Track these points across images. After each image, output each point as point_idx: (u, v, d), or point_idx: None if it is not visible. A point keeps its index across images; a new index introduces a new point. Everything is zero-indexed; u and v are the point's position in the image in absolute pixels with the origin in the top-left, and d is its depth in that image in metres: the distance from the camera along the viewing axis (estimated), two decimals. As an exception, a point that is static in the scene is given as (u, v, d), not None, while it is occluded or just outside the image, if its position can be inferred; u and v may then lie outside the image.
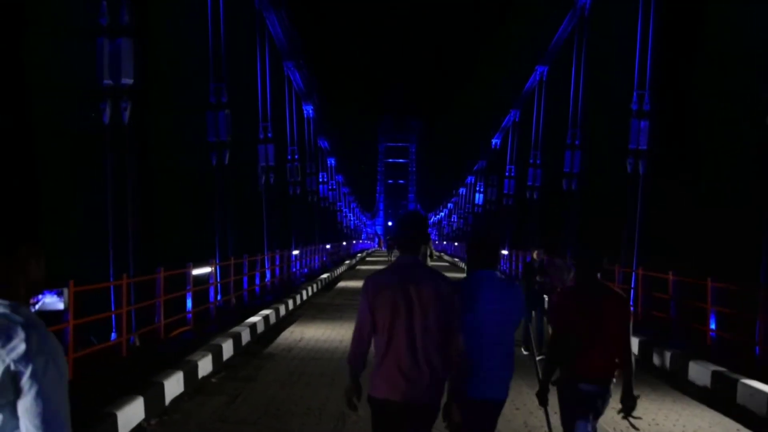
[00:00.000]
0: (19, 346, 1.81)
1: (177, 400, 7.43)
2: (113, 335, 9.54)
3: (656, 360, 10.08)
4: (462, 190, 64.44)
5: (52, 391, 1.83)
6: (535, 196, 26.60)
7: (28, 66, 19.91)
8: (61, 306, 2.50)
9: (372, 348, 3.56)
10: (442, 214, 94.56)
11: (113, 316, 9.60)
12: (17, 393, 1.81)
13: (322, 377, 8.67)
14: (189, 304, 11.72)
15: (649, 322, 12.61)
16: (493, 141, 40.68)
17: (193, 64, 17.92)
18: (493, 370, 3.83)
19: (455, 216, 73.20)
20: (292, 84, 28.22)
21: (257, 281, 18.10)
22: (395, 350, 3.45)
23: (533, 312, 10.49)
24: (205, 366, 8.69)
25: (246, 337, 11.24)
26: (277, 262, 20.97)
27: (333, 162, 44.83)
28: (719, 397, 7.97)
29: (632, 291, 14.54)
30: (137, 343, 9.57)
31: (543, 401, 4.40)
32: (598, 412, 4.27)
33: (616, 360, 4.19)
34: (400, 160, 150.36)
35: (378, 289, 3.51)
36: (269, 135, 21.71)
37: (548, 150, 26.16)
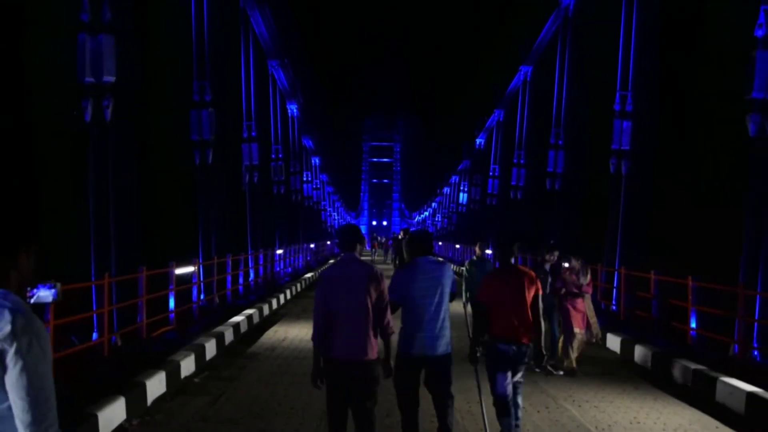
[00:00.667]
0: (5, 327, 2.01)
1: (159, 400, 7.38)
2: (95, 335, 9.46)
3: (638, 359, 10.16)
4: (446, 190, 64.54)
5: (36, 366, 2.03)
6: (519, 196, 26.71)
7: (28, 66, 19.68)
8: (49, 299, 2.66)
9: None
10: (427, 213, 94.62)
11: (95, 315, 9.52)
12: (4, 369, 2.01)
13: (305, 376, 8.62)
14: (171, 303, 11.64)
15: (631, 321, 12.72)
16: (478, 141, 40.80)
17: (182, 62, 17.79)
18: (431, 332, 5.10)
19: (439, 215, 73.31)
20: (277, 83, 28.14)
21: (241, 280, 18.01)
22: (342, 323, 4.65)
23: (545, 323, 8.75)
24: (187, 366, 8.64)
25: (229, 336, 11.19)
26: (261, 262, 20.89)
27: (317, 161, 44.74)
28: (699, 395, 8.05)
29: (614, 290, 14.66)
30: (119, 343, 9.49)
31: (473, 361, 5.53)
32: (516, 368, 5.54)
33: (528, 325, 5.46)
34: (385, 160, 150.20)
35: (328, 280, 4.81)
36: (253, 134, 21.62)
37: (535, 150, 26.21)
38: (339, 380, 4.69)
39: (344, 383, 4.67)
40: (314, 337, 4.83)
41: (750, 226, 10.20)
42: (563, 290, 9.39)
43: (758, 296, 10.04)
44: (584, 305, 9.34)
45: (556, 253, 9.68)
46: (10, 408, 2.03)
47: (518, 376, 5.60)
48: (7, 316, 2.04)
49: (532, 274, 5.67)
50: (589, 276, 9.49)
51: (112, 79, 10.17)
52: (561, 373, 9.09)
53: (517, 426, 5.58)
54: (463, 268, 10.79)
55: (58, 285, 2.37)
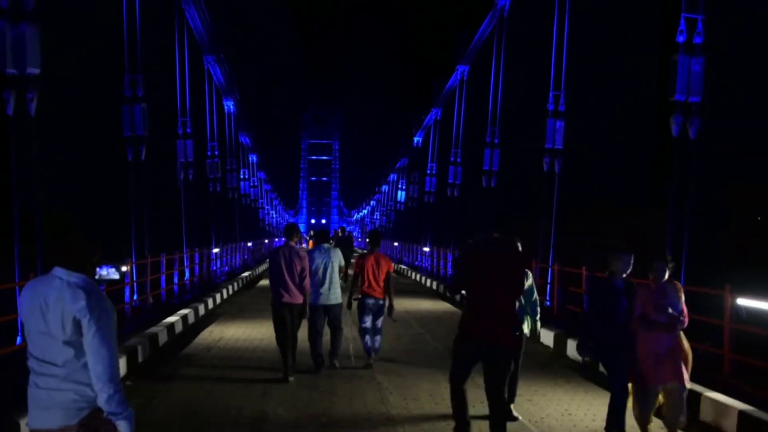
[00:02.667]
0: (81, 302, 2.85)
1: (88, 404, 7.13)
2: (19, 339, 9.09)
3: (570, 352, 10.44)
4: (385, 188, 64.64)
5: (103, 333, 2.85)
6: (455, 194, 26.97)
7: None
8: (116, 276, 3.33)
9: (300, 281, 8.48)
10: (365, 211, 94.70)
11: (19, 318, 9.12)
12: (81, 334, 2.85)
13: (241, 377, 8.54)
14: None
15: (564, 316, 13.06)
16: (416, 139, 41.03)
17: (113, 55, 17.14)
18: (324, 290, 8.79)
19: (378, 213, 73.40)
20: (213, 78, 27.60)
21: (176, 280, 17.62)
22: (282, 281, 8.31)
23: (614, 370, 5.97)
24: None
25: (163, 337, 10.94)
26: (197, 260, 20.49)
27: (255, 158, 44.12)
28: (627, 387, 8.32)
29: (548, 286, 15.02)
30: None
31: (348, 306, 9.27)
32: (376, 314, 9.16)
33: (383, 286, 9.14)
34: (324, 157, 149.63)
35: (274, 255, 8.54)
36: (188, 130, 21.15)
37: (472, 148, 26.39)
38: (282, 312, 8.37)
39: (285, 314, 8.36)
40: (271, 286, 8.49)
41: (671, 223, 10.64)
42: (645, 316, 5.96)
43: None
44: (677, 345, 5.96)
45: (629, 260, 5.93)
46: (86, 364, 2.86)
47: (378, 322, 9.23)
48: (83, 295, 2.86)
49: (386, 257, 9.35)
50: (682, 298, 6.03)
51: (36, 71, 9.75)
52: None
53: (376, 351, 9.33)
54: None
55: (117, 267, 4.47)
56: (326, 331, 9.05)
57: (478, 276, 5.34)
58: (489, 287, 5.28)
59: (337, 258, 8.94)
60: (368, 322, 9.15)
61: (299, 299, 8.33)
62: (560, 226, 16.12)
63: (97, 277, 3.28)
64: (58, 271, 2.92)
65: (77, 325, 2.83)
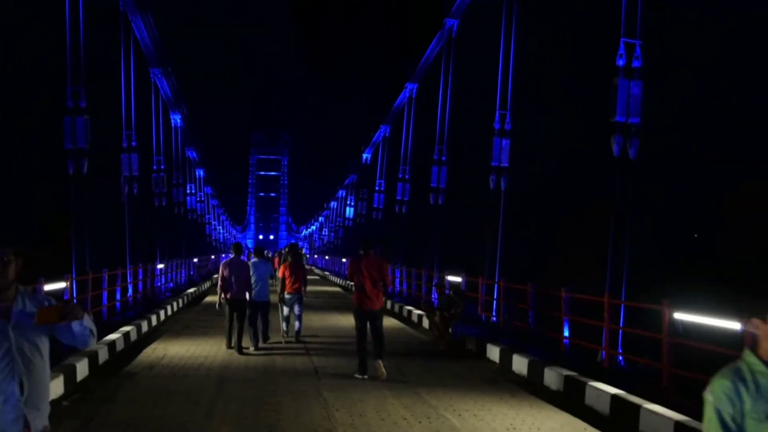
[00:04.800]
0: None
1: (23, 425, 6.86)
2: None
3: (516, 367, 10.58)
4: (333, 204, 64.52)
5: None
6: (404, 210, 27.05)
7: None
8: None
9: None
10: (314, 227, 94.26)
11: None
12: None
13: (185, 395, 8.37)
14: (39, 321, 10.87)
15: (510, 332, 13.23)
16: (364, 155, 41.16)
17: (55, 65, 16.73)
18: (260, 291, 12.39)
19: (326, 229, 73.17)
20: (159, 91, 27.14)
21: (118, 296, 17.14)
22: (234, 282, 11.77)
23: None
24: (55, 388, 8.10)
25: (103, 355, 10.63)
26: (140, 276, 20.01)
27: (202, 173, 43.49)
28: (570, 400, 8.50)
29: (495, 302, 15.22)
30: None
31: (279, 301, 13.23)
32: (295, 304, 13.18)
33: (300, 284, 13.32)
34: (272, 173, 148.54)
35: (226, 265, 12.00)
36: (133, 144, 20.71)
37: (420, 165, 26.56)
38: (233, 306, 11.65)
39: (235, 307, 11.66)
40: (220, 287, 11.82)
41: (613, 242, 10.95)
42: None
43: (622, 306, 10.76)
44: None
45: None
46: None
47: (296, 309, 13.17)
48: None
49: (302, 265, 13.88)
50: None
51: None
52: None
53: (298, 331, 13.27)
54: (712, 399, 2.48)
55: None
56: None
57: (360, 273, 9.67)
58: (366, 279, 9.63)
59: (268, 269, 12.91)
60: (288, 311, 13.30)
61: (244, 295, 11.78)
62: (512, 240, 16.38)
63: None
64: None
65: None
